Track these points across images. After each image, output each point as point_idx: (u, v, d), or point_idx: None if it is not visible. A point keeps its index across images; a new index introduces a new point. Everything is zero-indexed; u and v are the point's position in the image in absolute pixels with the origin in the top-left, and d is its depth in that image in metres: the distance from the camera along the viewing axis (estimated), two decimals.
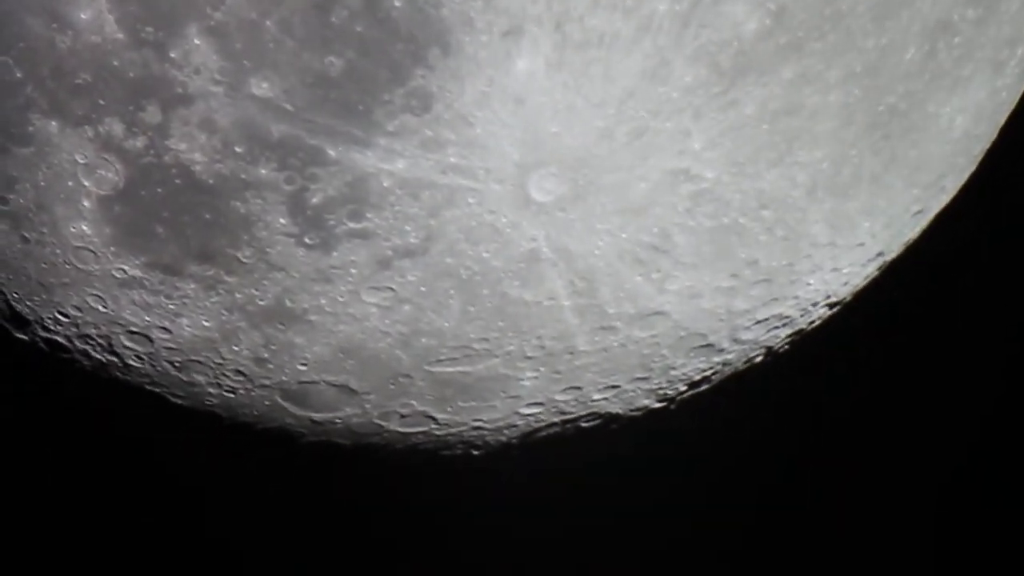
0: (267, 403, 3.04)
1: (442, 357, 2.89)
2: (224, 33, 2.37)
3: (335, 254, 2.65)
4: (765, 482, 5.88)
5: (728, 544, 6.01)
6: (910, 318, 5.55)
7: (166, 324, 2.83)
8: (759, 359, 3.33)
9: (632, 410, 3.30)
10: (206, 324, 2.81)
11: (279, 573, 5.97)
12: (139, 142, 2.49)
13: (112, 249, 2.68)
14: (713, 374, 3.28)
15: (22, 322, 2.94)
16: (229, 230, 2.61)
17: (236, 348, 2.87)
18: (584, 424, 3.30)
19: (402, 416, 3.09)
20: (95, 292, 2.78)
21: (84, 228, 2.65)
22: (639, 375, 3.12)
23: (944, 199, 3.22)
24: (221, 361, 2.91)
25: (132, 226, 2.63)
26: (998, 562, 5.81)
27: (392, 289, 2.72)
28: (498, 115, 2.48)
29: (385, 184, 2.54)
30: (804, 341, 3.37)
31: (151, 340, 2.88)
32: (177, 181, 2.54)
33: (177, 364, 2.94)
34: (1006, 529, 5.81)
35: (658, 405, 3.33)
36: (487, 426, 3.18)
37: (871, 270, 3.23)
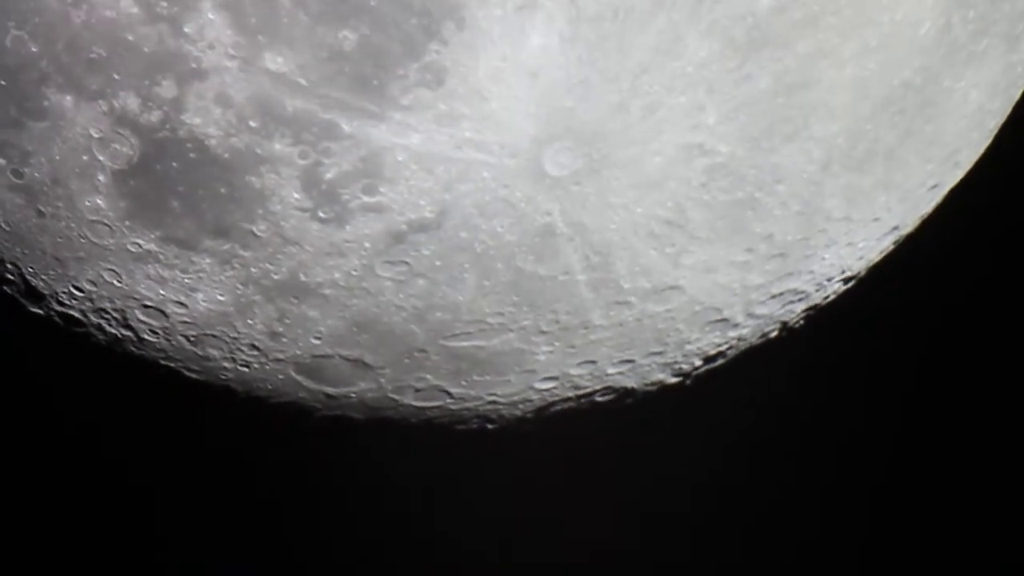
0: (281, 377, 3.05)
1: (457, 331, 2.90)
2: (238, 8, 2.37)
3: (349, 228, 2.65)
4: (778, 457, 5.89)
5: (740, 518, 6.02)
6: (925, 293, 5.55)
7: (181, 298, 2.83)
8: (774, 334, 3.33)
9: (647, 384, 3.31)
10: (221, 298, 2.82)
11: (292, 547, 6.00)
12: (154, 116, 2.50)
13: (127, 223, 2.69)
14: (728, 349, 3.28)
15: (37, 296, 2.95)
16: (244, 204, 2.62)
17: (251, 322, 2.88)
18: (599, 398, 3.31)
19: (417, 390, 3.09)
20: (110, 266, 2.79)
21: (99, 202, 2.66)
22: (654, 349, 3.12)
23: (959, 173, 3.22)
24: (236, 335, 2.92)
25: (147, 200, 2.64)
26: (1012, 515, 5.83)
27: (407, 263, 2.72)
28: (512, 89, 2.47)
29: (399, 158, 2.54)
30: (819, 316, 3.38)
31: (166, 314, 2.89)
32: (192, 155, 2.54)
33: (192, 338, 2.95)
34: None
35: (673, 380, 3.34)
36: (502, 400, 3.18)
37: (886, 245, 3.23)
